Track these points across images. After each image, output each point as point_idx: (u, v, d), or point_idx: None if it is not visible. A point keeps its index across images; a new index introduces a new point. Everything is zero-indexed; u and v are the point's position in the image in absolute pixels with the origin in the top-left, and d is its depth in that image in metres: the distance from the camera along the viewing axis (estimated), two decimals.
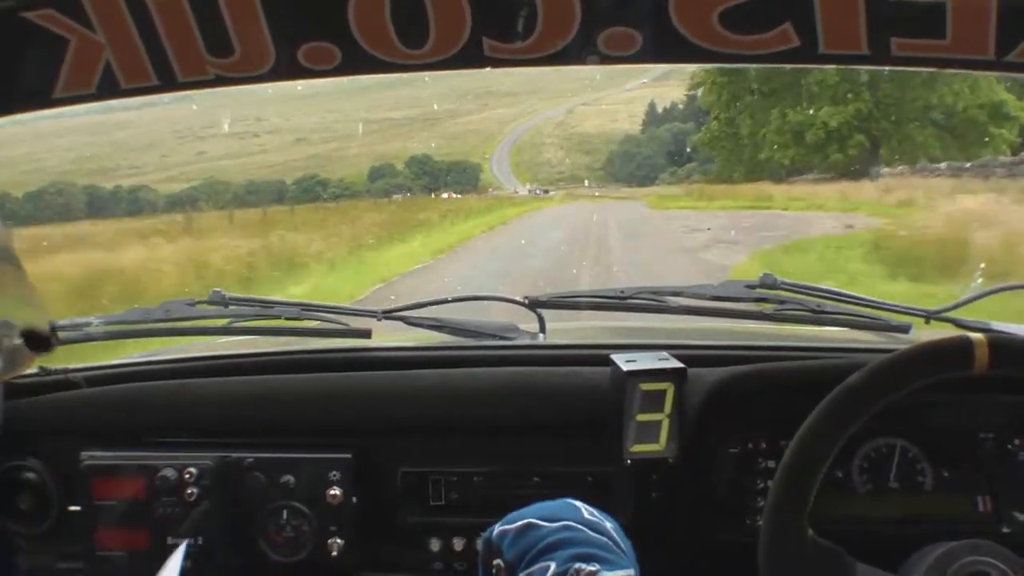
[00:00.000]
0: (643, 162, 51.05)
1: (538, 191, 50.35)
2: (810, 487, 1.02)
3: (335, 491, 1.34)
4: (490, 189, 53.49)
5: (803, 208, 19.32)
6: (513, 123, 73.95)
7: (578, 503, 1.00)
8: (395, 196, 42.24)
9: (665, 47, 1.02)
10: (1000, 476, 1.31)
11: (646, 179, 49.34)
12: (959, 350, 1.01)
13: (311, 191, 43.82)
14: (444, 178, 49.95)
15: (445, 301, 1.65)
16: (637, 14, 1.00)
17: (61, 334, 1.52)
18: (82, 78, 1.04)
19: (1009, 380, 1.05)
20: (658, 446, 1.30)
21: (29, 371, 1.47)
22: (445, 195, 43.23)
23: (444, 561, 1.37)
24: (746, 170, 27.09)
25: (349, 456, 1.36)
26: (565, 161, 63.80)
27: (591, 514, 0.98)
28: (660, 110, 55.24)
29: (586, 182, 58.25)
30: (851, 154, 23.65)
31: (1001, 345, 1.00)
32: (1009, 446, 1.32)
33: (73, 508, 1.38)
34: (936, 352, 1.03)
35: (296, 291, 10.22)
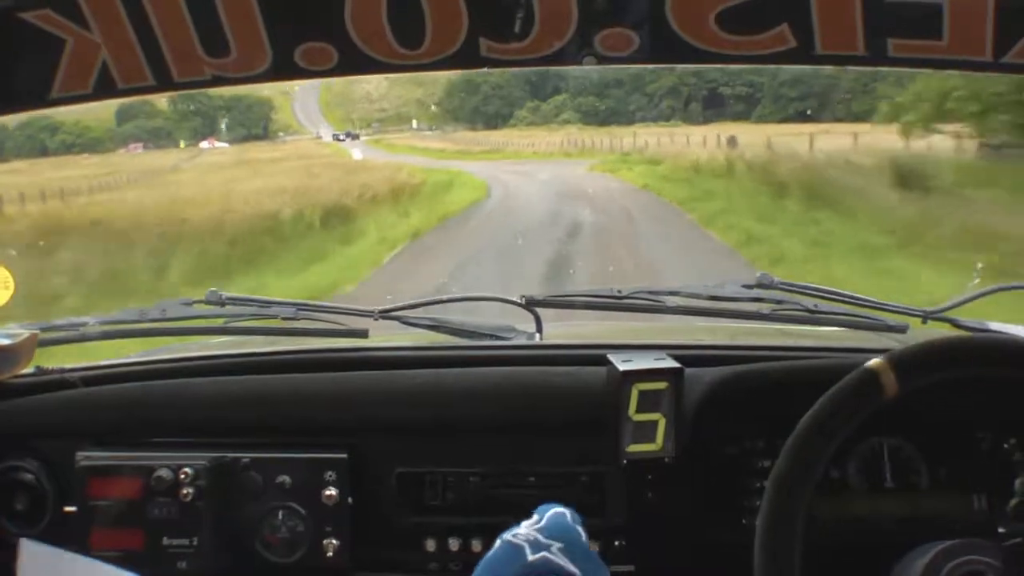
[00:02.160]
0: (492, 94, 38.39)
1: (342, 136, 38.77)
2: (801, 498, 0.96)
3: (331, 491, 1.34)
4: (281, 133, 42.59)
5: None
6: None
7: (520, 539, 0.91)
8: (132, 147, 32.70)
9: (662, 48, 1.02)
10: (996, 475, 1.31)
11: (496, 117, 37.91)
12: (864, 382, 0.96)
13: (34, 139, 33.99)
14: (220, 119, 38.70)
15: (441, 301, 1.65)
16: (634, 15, 1.00)
17: (57, 334, 1.52)
18: (79, 78, 1.04)
19: (1006, 380, 1.05)
20: (655, 446, 1.30)
21: (25, 371, 1.47)
22: (206, 144, 33.28)
23: (440, 561, 1.37)
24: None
25: (345, 456, 1.36)
26: (389, 95, 48.78)
27: (535, 550, 0.90)
28: None
29: (414, 122, 44.24)
30: None
31: (906, 364, 0.96)
32: (1005, 445, 1.32)
33: (69, 509, 1.37)
34: (844, 391, 0.97)
35: None
